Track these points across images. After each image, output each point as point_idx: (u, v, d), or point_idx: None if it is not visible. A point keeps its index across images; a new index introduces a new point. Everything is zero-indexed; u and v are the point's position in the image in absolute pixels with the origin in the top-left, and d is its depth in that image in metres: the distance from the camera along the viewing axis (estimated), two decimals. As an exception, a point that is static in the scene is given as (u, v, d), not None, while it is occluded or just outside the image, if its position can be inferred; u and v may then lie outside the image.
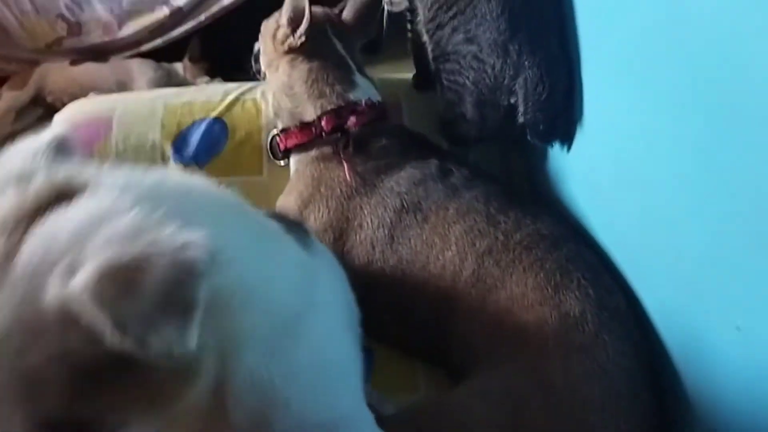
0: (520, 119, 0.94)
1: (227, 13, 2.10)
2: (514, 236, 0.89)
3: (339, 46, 1.06)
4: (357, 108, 1.00)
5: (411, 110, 1.15)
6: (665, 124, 0.72)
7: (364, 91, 1.04)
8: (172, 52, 2.13)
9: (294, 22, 1.02)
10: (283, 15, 1.04)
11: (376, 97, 1.05)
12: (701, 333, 0.71)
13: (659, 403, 0.79)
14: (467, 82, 0.96)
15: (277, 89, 1.06)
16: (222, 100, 1.14)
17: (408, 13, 1.10)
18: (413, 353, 0.96)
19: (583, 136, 0.95)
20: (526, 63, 0.91)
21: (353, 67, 1.06)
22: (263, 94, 1.14)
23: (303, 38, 1.02)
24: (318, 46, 1.04)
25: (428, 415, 0.82)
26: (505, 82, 0.93)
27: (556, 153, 1.03)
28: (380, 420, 0.83)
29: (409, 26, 1.12)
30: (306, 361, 0.59)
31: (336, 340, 0.68)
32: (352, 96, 1.02)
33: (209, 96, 1.16)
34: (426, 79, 1.12)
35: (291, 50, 1.04)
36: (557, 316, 0.81)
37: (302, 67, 1.03)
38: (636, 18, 0.75)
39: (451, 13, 0.94)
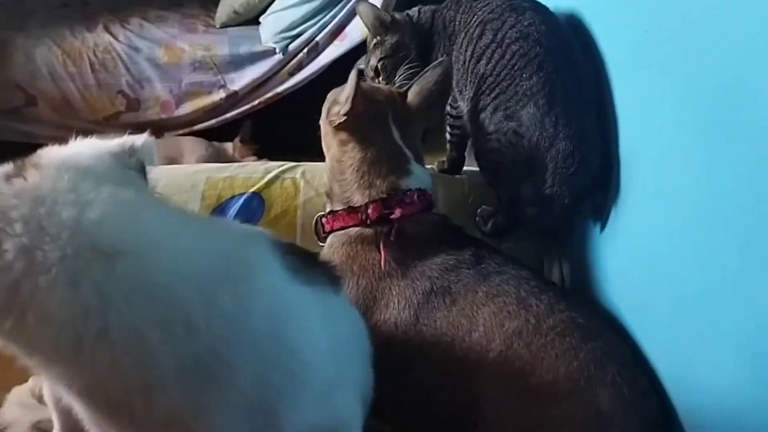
0: (547, 191, 0.98)
1: (279, 100, 2.29)
2: (546, 321, 0.90)
3: (397, 134, 1.05)
4: (405, 200, 1.01)
5: (445, 199, 1.20)
6: (699, 219, 0.74)
7: (417, 180, 1.04)
8: (223, 132, 2.31)
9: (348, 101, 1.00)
10: (343, 91, 1.03)
11: (428, 186, 1.06)
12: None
13: None
14: (505, 160, 1.01)
15: (329, 172, 1.08)
16: (263, 177, 1.22)
17: (448, 107, 1.18)
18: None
19: (613, 220, 0.98)
20: (561, 135, 0.97)
21: (409, 155, 1.05)
22: (303, 174, 1.22)
23: (345, 117, 1.01)
24: (374, 133, 1.04)
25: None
26: (540, 154, 0.98)
27: (587, 242, 1.05)
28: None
29: (449, 118, 1.21)
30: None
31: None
32: (403, 185, 1.02)
33: (250, 172, 1.24)
34: (459, 165, 1.18)
35: (340, 130, 1.04)
36: (586, 415, 0.81)
37: (353, 155, 1.03)
38: (673, 109, 0.79)
39: (493, 95, 1.02)
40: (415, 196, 1.03)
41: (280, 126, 2.18)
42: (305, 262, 0.76)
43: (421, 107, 1.08)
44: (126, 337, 0.55)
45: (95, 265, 0.55)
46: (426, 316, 0.96)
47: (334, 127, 1.05)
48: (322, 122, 1.10)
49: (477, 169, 1.18)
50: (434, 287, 0.97)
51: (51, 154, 0.63)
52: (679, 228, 0.80)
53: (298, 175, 1.22)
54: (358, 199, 1.03)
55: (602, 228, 1.02)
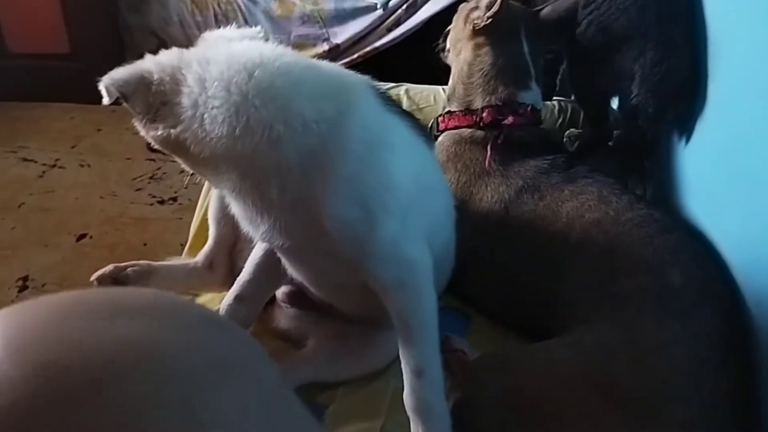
0: (633, 101, 1.08)
1: (377, 54, 2.46)
2: (625, 214, 1.00)
3: (526, 48, 1.19)
4: (519, 110, 1.16)
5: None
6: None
7: (533, 96, 1.18)
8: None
9: (491, 6, 1.16)
10: None
11: (540, 105, 1.21)
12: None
13: (745, 381, 0.84)
14: (595, 74, 1.12)
15: (456, 75, 1.22)
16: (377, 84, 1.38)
17: None
18: (510, 321, 1.08)
19: (697, 134, 1.05)
20: (650, 44, 1.05)
21: (532, 72, 1.19)
22: (406, 91, 1.37)
23: (489, 20, 1.15)
24: (507, 43, 1.18)
25: (517, 358, 0.93)
26: (628, 64, 1.07)
27: (670, 157, 1.13)
28: (467, 363, 0.97)
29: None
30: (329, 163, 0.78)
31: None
32: (519, 98, 1.16)
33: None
34: (550, 90, 1.30)
35: (478, 34, 1.18)
36: (659, 285, 0.91)
37: (485, 59, 1.17)
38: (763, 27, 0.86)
39: (587, 11, 1.12)
40: (529, 109, 1.16)
41: (378, 79, 2.35)
42: (404, 111, 0.95)
43: (550, 28, 1.21)
44: (262, 127, 0.76)
45: (239, 75, 0.76)
46: (515, 209, 1.08)
47: (476, 29, 1.19)
48: (457, 26, 1.25)
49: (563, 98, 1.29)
50: (526, 185, 1.09)
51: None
52: (763, 140, 0.85)
53: (402, 92, 1.39)
54: (478, 102, 1.18)
55: (686, 141, 1.09)
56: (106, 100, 0.79)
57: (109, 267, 1.10)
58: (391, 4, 2.41)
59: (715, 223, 1.01)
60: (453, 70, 1.26)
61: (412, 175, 0.86)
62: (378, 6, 2.42)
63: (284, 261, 0.95)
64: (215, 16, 2.42)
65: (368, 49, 2.47)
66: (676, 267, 0.92)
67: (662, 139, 1.17)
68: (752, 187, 0.89)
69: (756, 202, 0.87)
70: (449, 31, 1.31)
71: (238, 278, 1.02)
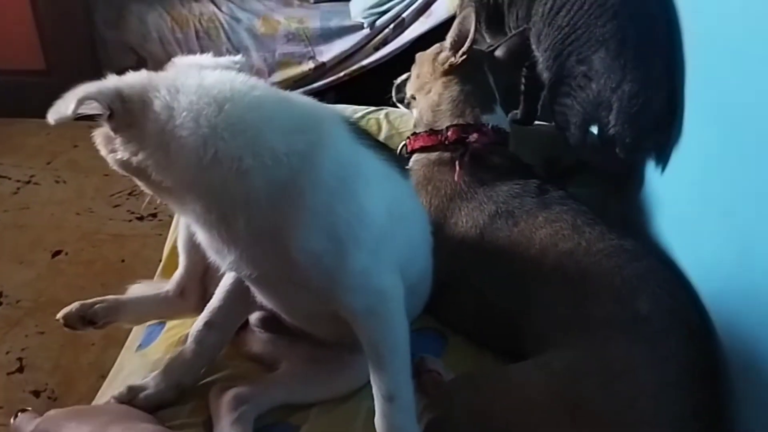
0: (610, 131, 1.11)
1: (363, 73, 2.49)
2: (596, 245, 1.03)
3: (491, 79, 1.29)
4: (482, 129, 1.22)
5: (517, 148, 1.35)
6: (750, 165, 0.84)
7: (497, 118, 1.26)
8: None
9: (457, 45, 1.26)
10: (447, 38, 1.28)
11: (506, 126, 1.27)
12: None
13: (712, 403, 0.87)
14: (575, 103, 1.16)
15: (424, 107, 1.29)
16: (350, 116, 1.42)
17: (524, 69, 1.36)
18: (486, 342, 1.10)
19: (673, 163, 1.08)
20: (628, 77, 1.09)
21: (497, 97, 1.29)
22: (386, 115, 1.40)
23: (464, 56, 1.25)
24: (473, 74, 1.27)
25: (489, 379, 0.95)
26: (606, 95, 1.11)
27: (647, 185, 1.16)
28: (440, 384, 0.99)
29: (524, 72, 1.36)
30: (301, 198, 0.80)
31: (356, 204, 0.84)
32: (484, 119, 1.23)
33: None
34: (530, 116, 1.33)
35: (448, 72, 1.27)
36: (627, 313, 0.94)
37: (455, 88, 1.26)
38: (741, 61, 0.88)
39: (568, 42, 1.16)
40: (491, 129, 1.21)
41: (362, 98, 2.38)
42: (377, 143, 0.97)
43: (506, 63, 1.33)
44: (231, 159, 0.77)
45: (209, 108, 0.77)
46: (490, 235, 1.11)
47: (446, 69, 1.28)
48: (422, 72, 1.34)
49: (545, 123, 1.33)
50: (499, 210, 1.12)
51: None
52: (738, 171, 0.88)
53: (381, 116, 1.43)
54: (444, 124, 1.23)
55: (662, 169, 1.13)
56: (70, 110, 0.75)
57: (75, 305, 1.08)
58: (378, 23, 2.45)
59: (687, 250, 1.05)
60: (420, 107, 1.31)
61: (384, 207, 0.88)
62: (365, 26, 2.46)
63: (253, 289, 0.96)
64: (196, 33, 2.44)
65: (355, 67, 2.51)
66: (645, 295, 0.95)
67: (639, 167, 1.21)
68: (723, 215, 0.92)
69: (726, 230, 0.91)
70: (403, 83, 1.40)
71: (208, 305, 1.03)
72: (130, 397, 0.99)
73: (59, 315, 1.08)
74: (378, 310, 0.87)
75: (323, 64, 2.49)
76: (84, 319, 1.08)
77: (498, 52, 1.35)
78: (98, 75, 0.82)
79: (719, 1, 0.97)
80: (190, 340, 1.02)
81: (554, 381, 0.90)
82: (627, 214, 1.28)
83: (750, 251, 0.84)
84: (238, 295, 0.99)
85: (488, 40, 1.40)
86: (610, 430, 0.84)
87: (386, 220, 0.88)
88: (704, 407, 0.86)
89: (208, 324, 1.01)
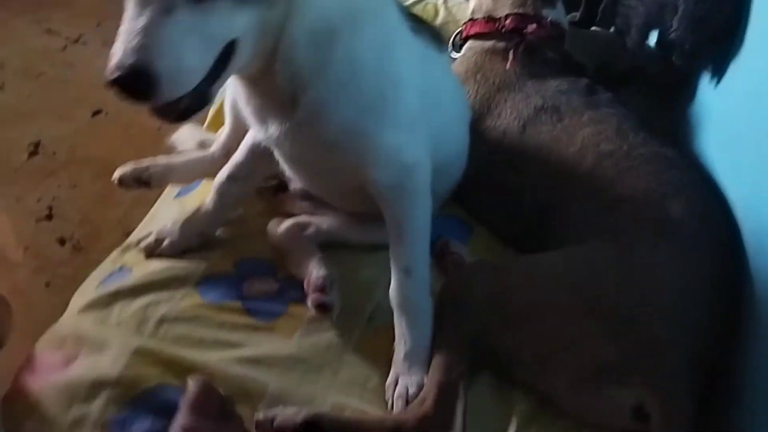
0: (671, 36, 1.08)
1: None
2: (638, 149, 1.03)
3: None
4: (542, 21, 1.19)
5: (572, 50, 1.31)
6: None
7: (558, 13, 1.24)
8: None
9: None
10: None
11: (564, 23, 1.24)
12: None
13: (728, 319, 0.88)
14: (639, 3, 1.12)
15: None
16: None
17: None
18: (510, 236, 1.12)
19: (728, 78, 1.05)
20: None
21: None
22: (444, 1, 1.38)
23: None
24: None
25: (509, 265, 0.97)
26: None
27: (700, 98, 1.13)
28: (462, 264, 1.00)
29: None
30: (337, 66, 0.81)
31: (388, 76, 0.86)
32: (545, 12, 1.21)
33: (400, -3, 1.42)
34: (591, 17, 1.29)
35: None
36: (659, 214, 0.94)
37: None
38: None
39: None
40: (550, 22, 1.19)
41: None
42: (418, 21, 0.98)
43: None
44: None
45: None
46: (532, 129, 1.10)
47: None
48: None
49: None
50: (545, 104, 1.11)
51: None
52: None
53: (440, 2, 1.39)
54: (502, 11, 1.21)
55: (716, 84, 1.10)
56: None
57: (130, 166, 1.13)
58: None
59: (728, 167, 1.03)
60: None
61: (421, 87, 0.90)
62: None
63: (282, 162, 0.98)
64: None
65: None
66: (678, 200, 0.95)
67: (693, 78, 1.17)
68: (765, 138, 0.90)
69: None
70: None
71: (231, 159, 1.06)
72: (156, 244, 1.04)
73: (115, 175, 1.13)
74: (404, 184, 0.90)
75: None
76: (140, 180, 1.13)
77: None
78: None
79: None
80: (212, 192, 1.05)
81: (575, 272, 0.91)
82: (675, 125, 1.25)
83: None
84: (261, 151, 1.01)
85: None
86: (624, 323, 0.85)
87: (419, 101, 0.90)
88: (720, 321, 0.87)
89: (231, 177, 1.05)
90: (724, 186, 1.02)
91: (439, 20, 1.37)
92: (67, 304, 1.02)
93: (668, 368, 0.83)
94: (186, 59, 0.68)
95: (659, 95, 1.25)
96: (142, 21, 0.67)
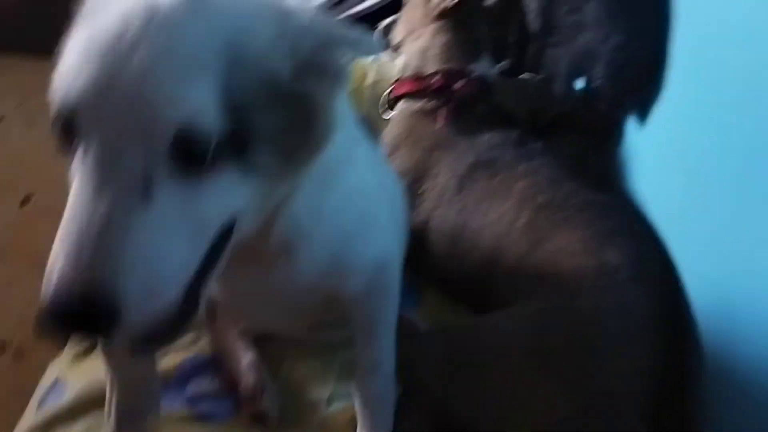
0: (596, 82, 1.13)
1: (358, 19, 2.45)
2: (572, 199, 1.06)
3: (481, 27, 1.28)
4: (470, 77, 1.22)
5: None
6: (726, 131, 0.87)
7: (485, 68, 1.27)
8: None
9: None
10: None
11: (492, 77, 1.27)
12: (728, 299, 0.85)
13: (674, 355, 0.90)
14: (563, 53, 1.16)
15: (412, 52, 1.30)
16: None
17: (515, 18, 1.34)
18: (459, 295, 1.14)
19: (654, 122, 1.10)
20: (618, 28, 1.09)
21: (487, 47, 1.28)
22: (373, 61, 1.41)
23: (457, 1, 1.23)
24: (465, 21, 1.27)
25: (460, 330, 0.99)
26: (595, 46, 1.11)
27: (627, 148, 1.19)
28: (415, 335, 1.01)
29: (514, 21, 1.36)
30: (334, 207, 0.73)
31: (369, 195, 0.81)
32: (472, 67, 1.24)
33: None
34: (521, 65, 1.34)
35: (440, 18, 1.26)
36: (596, 265, 0.97)
37: (446, 35, 1.26)
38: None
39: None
40: (478, 78, 1.21)
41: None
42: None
43: (497, 12, 1.31)
44: None
45: None
46: (468, 186, 1.13)
47: (440, 13, 1.26)
48: (412, 17, 1.32)
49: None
50: (479, 160, 1.14)
51: None
52: (715, 132, 0.91)
53: (368, 62, 1.42)
54: (430, 69, 1.24)
55: (643, 128, 1.14)
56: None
57: None
58: (367, -30, 2.40)
59: (658, 204, 1.08)
60: (409, 52, 1.30)
61: (382, 186, 0.89)
62: (353, -27, 2.41)
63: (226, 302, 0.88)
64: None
65: (349, 12, 2.47)
66: (614, 247, 0.98)
67: (621, 122, 1.22)
68: (692, 174, 0.96)
69: (694, 188, 0.96)
70: (388, 26, 1.39)
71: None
72: None
73: None
74: (378, 284, 0.85)
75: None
76: None
77: (489, 1, 1.33)
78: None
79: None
80: None
81: (523, 331, 0.93)
82: (608, 167, 1.30)
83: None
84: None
85: None
86: (575, 377, 0.87)
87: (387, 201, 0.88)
88: (666, 358, 0.89)
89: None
90: (657, 222, 1.05)
91: (369, 80, 1.38)
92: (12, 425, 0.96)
93: (624, 416, 0.85)
94: (167, 264, 0.48)
95: (590, 139, 1.30)
96: (102, 208, 0.45)
